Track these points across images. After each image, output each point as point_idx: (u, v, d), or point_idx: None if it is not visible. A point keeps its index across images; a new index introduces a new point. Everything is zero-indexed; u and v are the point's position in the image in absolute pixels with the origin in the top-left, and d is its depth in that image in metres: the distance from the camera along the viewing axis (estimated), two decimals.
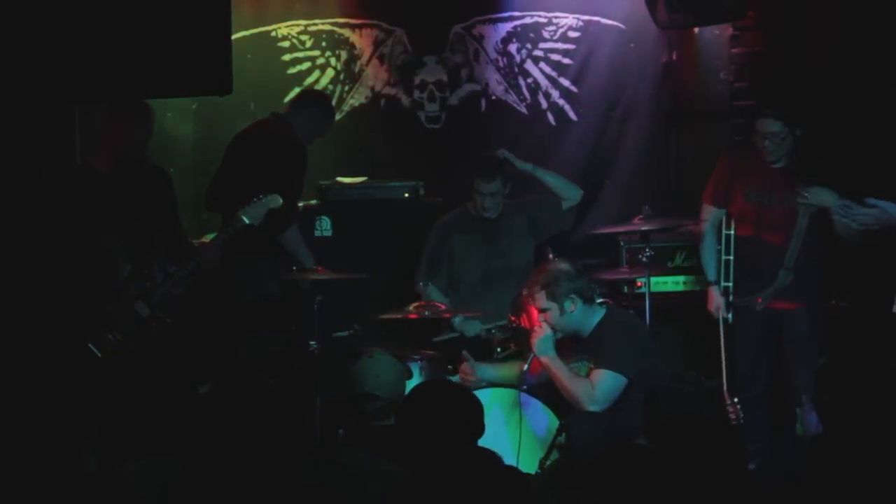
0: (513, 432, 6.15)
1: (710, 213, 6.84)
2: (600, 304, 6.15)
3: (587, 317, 6.04)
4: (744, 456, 3.86)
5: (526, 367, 6.11)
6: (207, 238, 7.49)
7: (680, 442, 3.86)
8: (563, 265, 6.12)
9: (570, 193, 7.22)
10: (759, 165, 6.66)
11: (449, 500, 3.66)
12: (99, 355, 6.07)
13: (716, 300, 6.74)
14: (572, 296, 6.00)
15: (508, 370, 6.37)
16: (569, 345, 6.10)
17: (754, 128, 6.68)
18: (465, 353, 6.42)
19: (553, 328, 6.02)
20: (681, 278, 7.46)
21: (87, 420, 5.83)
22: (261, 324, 7.01)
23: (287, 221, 6.83)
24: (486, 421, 4.04)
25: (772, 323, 6.70)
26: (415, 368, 6.58)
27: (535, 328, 6.05)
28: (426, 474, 3.80)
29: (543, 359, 5.98)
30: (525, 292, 6.31)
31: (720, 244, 6.78)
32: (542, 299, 6.03)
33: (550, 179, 7.21)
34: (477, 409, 3.99)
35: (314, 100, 7.38)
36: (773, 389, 6.74)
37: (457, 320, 6.98)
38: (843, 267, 6.89)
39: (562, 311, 6.00)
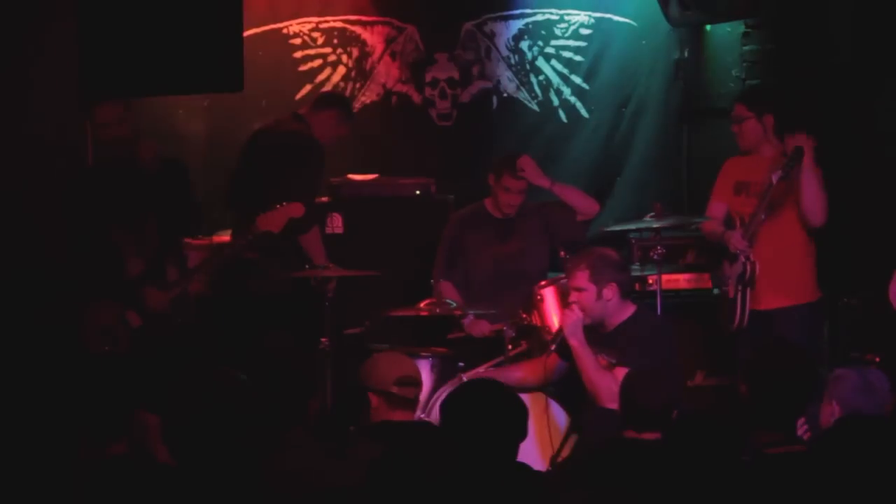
0: (540, 432, 6.14)
1: (713, 208, 6.88)
2: (631, 301, 6.11)
3: (618, 311, 6.00)
4: (738, 451, 3.86)
5: (553, 347, 6.04)
6: (220, 235, 7.51)
7: (676, 438, 3.86)
8: (613, 253, 6.08)
9: (585, 208, 7.12)
10: (749, 161, 6.73)
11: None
12: (105, 348, 6.09)
13: (732, 234, 6.68)
14: (612, 284, 5.96)
15: (524, 371, 6.33)
16: (591, 335, 6.04)
17: None
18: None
19: (583, 310, 5.96)
20: (692, 276, 7.44)
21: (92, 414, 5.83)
22: (273, 321, 7.01)
23: (308, 222, 6.81)
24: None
25: (767, 323, 6.68)
26: (426, 366, 6.56)
27: (567, 311, 6.00)
28: (468, 474, 3.77)
29: (573, 341, 5.90)
30: (543, 285, 6.28)
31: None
32: (583, 278, 5.97)
33: (567, 194, 7.10)
34: (523, 411, 3.95)
35: (333, 101, 7.40)
36: None
37: (465, 321, 6.97)
38: (853, 264, 6.89)
39: (598, 295, 5.94)
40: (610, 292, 5.96)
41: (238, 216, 7.04)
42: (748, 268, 6.60)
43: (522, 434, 3.89)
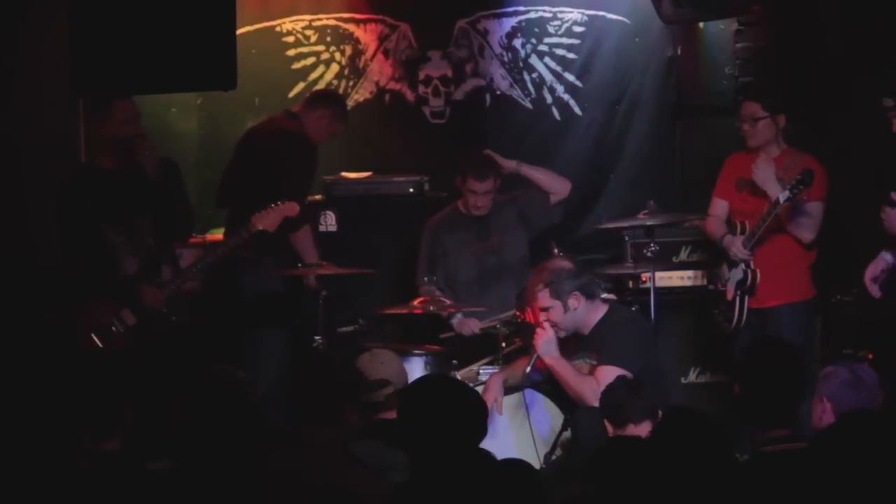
0: (517, 432, 6.15)
1: (714, 205, 6.90)
2: (603, 300, 6.14)
3: (590, 314, 6.03)
4: (727, 446, 3.87)
5: (529, 368, 6.10)
6: (213, 233, 7.51)
7: (670, 433, 3.87)
8: (565, 263, 6.11)
9: (558, 187, 7.21)
10: (752, 158, 6.72)
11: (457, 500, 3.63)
12: (101, 346, 6.09)
13: (733, 241, 6.68)
14: (576, 293, 5.99)
15: (514, 371, 6.34)
16: (570, 341, 6.09)
17: (738, 113, 6.77)
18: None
19: (556, 326, 6.01)
20: (686, 273, 7.44)
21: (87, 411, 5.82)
22: (265, 320, 6.99)
23: (299, 221, 6.79)
24: (492, 423, 3.98)
25: (762, 321, 6.71)
26: (419, 363, 6.57)
27: (538, 330, 6.03)
28: (428, 475, 3.76)
29: (548, 360, 5.97)
30: (528, 288, 6.30)
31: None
32: (545, 298, 6.02)
33: (537, 175, 7.19)
34: (481, 409, 3.94)
35: (327, 99, 7.37)
36: None
37: (454, 321, 6.98)
38: (846, 261, 6.89)
39: (565, 308, 5.99)
40: (575, 301, 6.00)
41: (229, 214, 7.04)
42: (749, 276, 6.63)
43: (481, 431, 3.88)
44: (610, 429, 5.19)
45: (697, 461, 3.73)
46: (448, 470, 3.72)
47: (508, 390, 6.24)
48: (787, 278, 6.69)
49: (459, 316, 6.97)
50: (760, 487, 3.79)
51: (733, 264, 6.71)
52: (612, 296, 6.85)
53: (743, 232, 6.67)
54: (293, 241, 6.92)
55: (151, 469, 3.87)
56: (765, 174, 6.58)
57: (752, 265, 6.64)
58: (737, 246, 6.64)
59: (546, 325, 6.01)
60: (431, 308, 6.66)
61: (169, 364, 6.05)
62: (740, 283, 6.67)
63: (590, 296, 6.04)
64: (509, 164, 7.16)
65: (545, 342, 5.98)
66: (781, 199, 6.45)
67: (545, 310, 6.03)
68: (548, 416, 6.19)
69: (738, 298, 6.68)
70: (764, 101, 6.69)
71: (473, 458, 3.78)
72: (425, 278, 7.09)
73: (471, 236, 7.19)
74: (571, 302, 5.99)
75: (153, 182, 6.24)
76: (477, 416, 3.88)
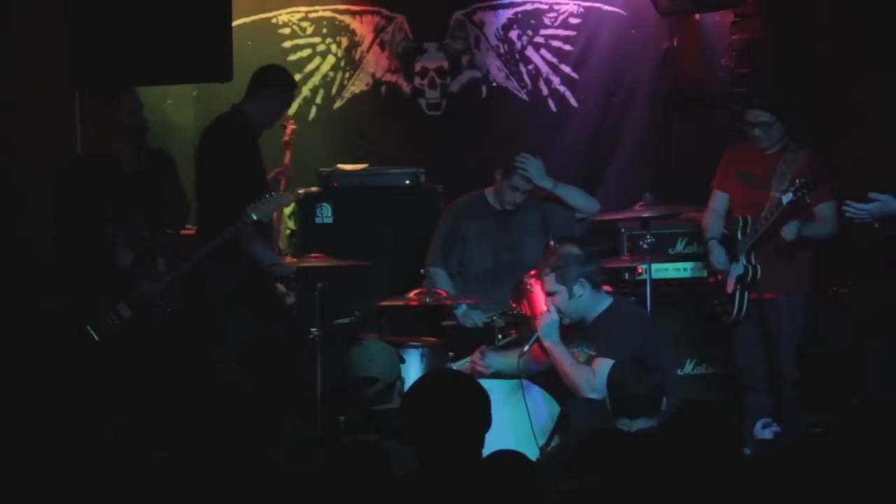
0: (514, 420, 6.16)
1: (713, 197, 6.92)
2: (607, 292, 6.14)
3: (594, 303, 6.03)
4: (740, 441, 3.88)
5: (526, 348, 6.08)
6: None
7: (676, 426, 3.87)
8: (574, 249, 6.10)
9: (588, 208, 7.19)
10: (752, 150, 6.78)
11: (457, 493, 3.64)
12: (97, 339, 6.09)
13: (712, 249, 6.72)
14: (582, 280, 5.99)
15: (512, 359, 6.35)
16: (570, 329, 6.09)
17: (744, 117, 6.78)
18: (484, 347, 6.38)
19: (560, 312, 6.00)
20: (682, 265, 7.44)
21: (87, 404, 5.83)
22: (228, 312, 6.87)
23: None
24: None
25: (759, 312, 6.73)
26: (416, 355, 6.58)
27: (542, 312, 6.03)
28: (433, 468, 3.77)
29: (547, 343, 5.97)
30: (532, 275, 6.30)
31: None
32: (551, 282, 6.01)
33: (570, 197, 7.14)
34: (485, 400, 3.96)
35: (264, 81, 7.06)
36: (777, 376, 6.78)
37: (459, 312, 6.97)
38: (843, 254, 6.91)
39: (570, 295, 5.99)
40: (581, 288, 6.00)
41: (196, 215, 6.93)
42: (750, 272, 6.66)
43: (486, 422, 3.89)
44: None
45: (700, 453, 3.74)
46: (454, 463, 3.73)
47: (503, 376, 6.25)
48: (788, 270, 6.71)
49: (465, 307, 6.97)
50: (808, 466, 3.83)
51: (734, 258, 6.74)
52: (608, 287, 6.85)
53: (747, 227, 6.70)
54: (244, 247, 6.72)
55: (149, 459, 3.88)
56: None
57: (753, 260, 6.67)
58: (714, 256, 6.73)
59: (551, 308, 6.00)
60: (427, 300, 6.66)
61: (165, 356, 6.06)
62: (741, 278, 6.70)
63: (596, 284, 6.04)
64: (546, 184, 7.09)
65: (547, 325, 5.97)
66: (785, 201, 6.49)
67: (550, 294, 6.02)
68: (544, 407, 6.20)
69: (738, 291, 6.70)
70: (773, 108, 6.71)
71: (479, 451, 3.80)
72: (431, 268, 7.08)
73: (492, 229, 7.16)
74: (577, 289, 5.99)
75: (138, 173, 6.24)
76: (482, 408, 3.89)
